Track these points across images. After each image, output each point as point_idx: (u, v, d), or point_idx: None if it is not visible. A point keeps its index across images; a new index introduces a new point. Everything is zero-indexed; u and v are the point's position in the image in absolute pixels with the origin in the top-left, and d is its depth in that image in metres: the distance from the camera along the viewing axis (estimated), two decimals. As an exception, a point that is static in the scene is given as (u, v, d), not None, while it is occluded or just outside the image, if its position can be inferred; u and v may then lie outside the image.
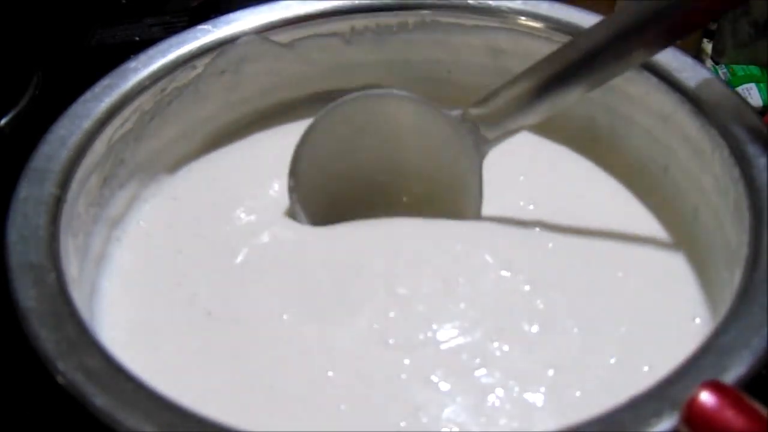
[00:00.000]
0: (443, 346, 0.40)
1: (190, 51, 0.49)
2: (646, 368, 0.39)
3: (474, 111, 0.45)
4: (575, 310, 0.42)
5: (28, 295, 0.35)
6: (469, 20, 0.52)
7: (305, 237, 0.46)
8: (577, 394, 0.38)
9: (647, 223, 0.47)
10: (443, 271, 0.44)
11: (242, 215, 0.48)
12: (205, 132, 0.52)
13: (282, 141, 0.53)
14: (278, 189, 0.49)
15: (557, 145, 0.52)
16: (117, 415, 0.31)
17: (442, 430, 0.36)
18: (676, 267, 0.44)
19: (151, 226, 0.47)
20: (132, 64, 0.48)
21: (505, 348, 0.40)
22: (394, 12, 0.53)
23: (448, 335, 0.40)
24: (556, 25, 0.50)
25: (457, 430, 0.36)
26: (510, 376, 0.38)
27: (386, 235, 0.46)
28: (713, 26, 0.73)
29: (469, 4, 0.52)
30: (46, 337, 0.33)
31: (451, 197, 0.48)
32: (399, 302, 0.42)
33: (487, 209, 0.47)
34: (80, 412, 0.31)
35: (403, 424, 0.37)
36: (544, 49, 0.51)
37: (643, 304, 0.42)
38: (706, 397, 0.28)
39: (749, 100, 0.64)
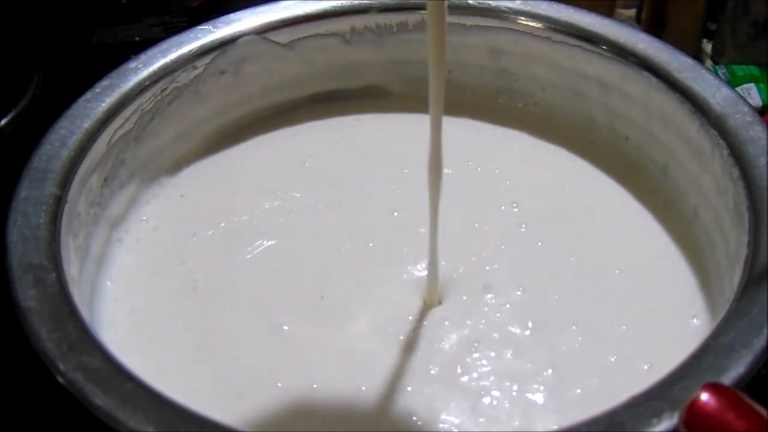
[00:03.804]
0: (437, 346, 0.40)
1: (190, 51, 0.49)
2: (646, 366, 0.39)
3: None
4: (573, 310, 0.42)
5: (28, 295, 0.35)
6: (469, 20, 0.52)
7: (307, 237, 0.47)
8: (578, 391, 0.38)
9: (647, 223, 0.47)
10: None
11: (243, 216, 0.48)
12: (205, 132, 0.52)
13: (282, 142, 0.53)
14: (279, 189, 0.49)
15: (555, 145, 0.52)
16: (117, 415, 0.31)
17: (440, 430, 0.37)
18: (675, 267, 0.44)
19: (152, 226, 0.47)
20: (132, 64, 0.48)
21: (504, 347, 0.40)
22: (394, 12, 0.53)
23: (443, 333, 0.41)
24: (556, 25, 0.50)
25: (456, 430, 0.37)
26: (509, 376, 0.39)
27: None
28: (713, 26, 0.73)
29: (469, 4, 0.52)
30: (47, 337, 0.33)
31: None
32: (396, 305, 0.42)
33: (481, 210, 0.47)
34: (80, 412, 0.32)
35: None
36: (544, 49, 0.51)
37: (642, 303, 0.42)
38: (706, 400, 0.27)
39: (749, 100, 0.64)
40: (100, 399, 0.31)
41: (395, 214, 0.47)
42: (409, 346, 0.40)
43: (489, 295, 0.42)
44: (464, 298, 0.42)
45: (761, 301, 0.34)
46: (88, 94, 0.45)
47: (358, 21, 0.53)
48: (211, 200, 0.49)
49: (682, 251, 0.45)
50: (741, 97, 0.44)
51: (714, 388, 0.28)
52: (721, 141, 0.42)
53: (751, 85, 0.67)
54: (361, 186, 0.49)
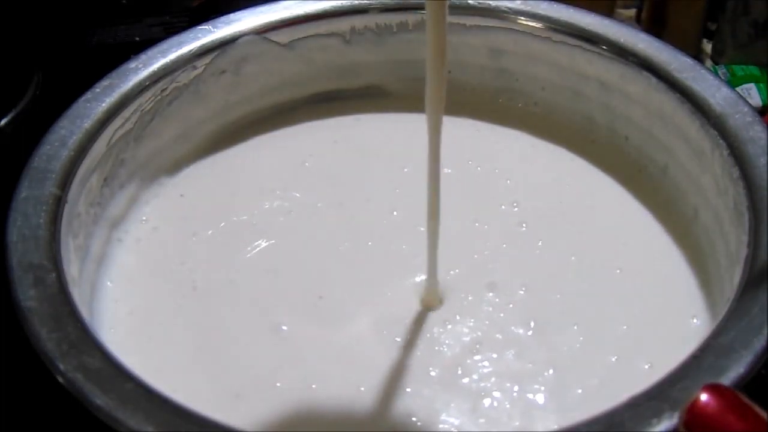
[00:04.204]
0: (437, 347, 0.40)
1: (190, 51, 0.49)
2: (646, 366, 0.39)
3: None
4: (574, 309, 0.42)
5: (28, 295, 0.35)
6: (469, 20, 0.52)
7: (306, 236, 0.47)
8: (579, 391, 0.38)
9: (647, 223, 0.47)
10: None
11: (243, 215, 0.48)
12: (205, 132, 0.52)
13: (282, 142, 0.53)
14: (279, 189, 0.49)
15: (555, 145, 0.52)
16: (117, 415, 0.31)
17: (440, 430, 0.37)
18: (675, 267, 0.44)
19: (152, 226, 0.47)
20: (132, 64, 0.48)
21: (507, 348, 0.40)
22: (394, 12, 0.53)
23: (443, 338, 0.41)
24: (556, 25, 0.50)
25: (455, 431, 0.37)
26: (509, 377, 0.39)
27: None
28: (713, 26, 0.73)
29: (469, 4, 0.52)
30: (47, 337, 0.33)
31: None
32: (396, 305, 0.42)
33: (482, 210, 0.47)
34: (80, 412, 0.32)
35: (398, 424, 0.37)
36: (544, 49, 0.51)
37: (642, 303, 0.42)
38: (706, 401, 0.27)
39: (749, 100, 0.64)
40: (100, 399, 0.31)
41: (395, 213, 0.47)
42: (409, 346, 0.40)
43: (491, 294, 0.42)
44: (469, 298, 0.42)
45: (761, 301, 0.34)
46: (88, 94, 0.45)
47: (358, 21, 0.53)
48: (211, 200, 0.49)
49: (682, 251, 0.45)
50: (741, 97, 0.44)
51: (714, 389, 0.28)
52: (721, 141, 0.42)
53: (751, 85, 0.67)
54: (360, 186, 0.49)
